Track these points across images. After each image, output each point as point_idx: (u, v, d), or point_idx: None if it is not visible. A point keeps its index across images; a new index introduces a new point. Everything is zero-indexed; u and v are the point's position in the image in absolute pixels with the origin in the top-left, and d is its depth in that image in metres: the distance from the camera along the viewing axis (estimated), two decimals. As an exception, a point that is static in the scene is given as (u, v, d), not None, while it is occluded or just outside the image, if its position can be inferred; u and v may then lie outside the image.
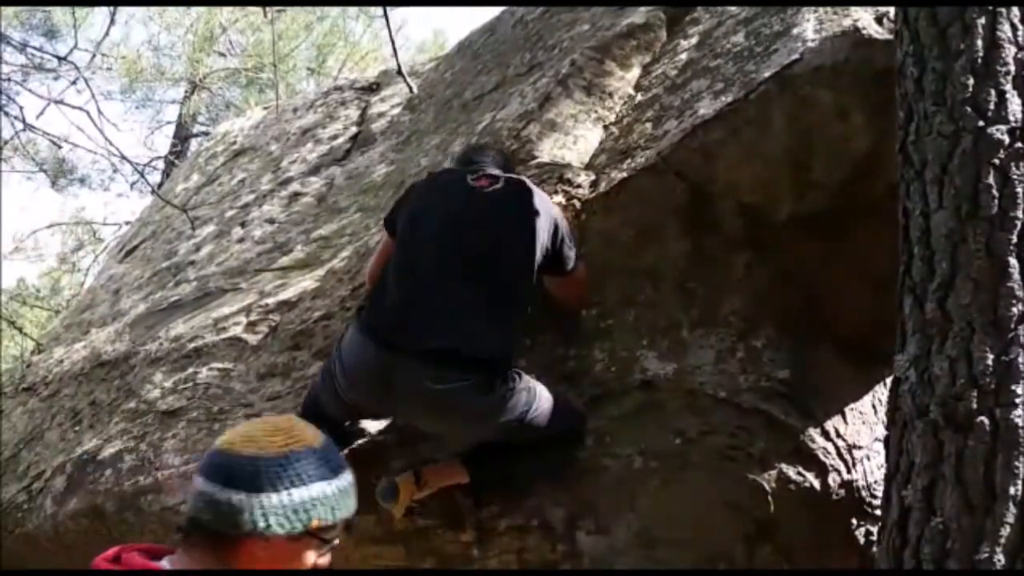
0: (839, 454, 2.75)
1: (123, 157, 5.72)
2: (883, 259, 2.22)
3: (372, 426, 2.80)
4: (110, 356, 3.84)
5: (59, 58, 7.52)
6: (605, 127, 3.16)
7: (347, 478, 1.44)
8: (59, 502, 3.32)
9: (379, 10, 6.24)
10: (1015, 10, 1.96)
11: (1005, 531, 1.72)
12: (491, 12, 4.72)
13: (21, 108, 10.99)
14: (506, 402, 2.38)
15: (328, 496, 1.39)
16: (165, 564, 1.38)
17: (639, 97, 3.16)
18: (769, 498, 2.61)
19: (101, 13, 10.18)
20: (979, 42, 1.94)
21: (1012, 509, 1.73)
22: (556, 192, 2.87)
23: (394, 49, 4.86)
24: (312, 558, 1.41)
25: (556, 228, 2.55)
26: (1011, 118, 1.89)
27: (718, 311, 2.73)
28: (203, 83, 11.43)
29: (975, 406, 1.79)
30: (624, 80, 3.27)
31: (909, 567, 1.82)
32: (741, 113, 2.62)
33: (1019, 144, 1.88)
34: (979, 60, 1.94)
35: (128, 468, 3.17)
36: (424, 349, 2.32)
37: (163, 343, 3.60)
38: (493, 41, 4.35)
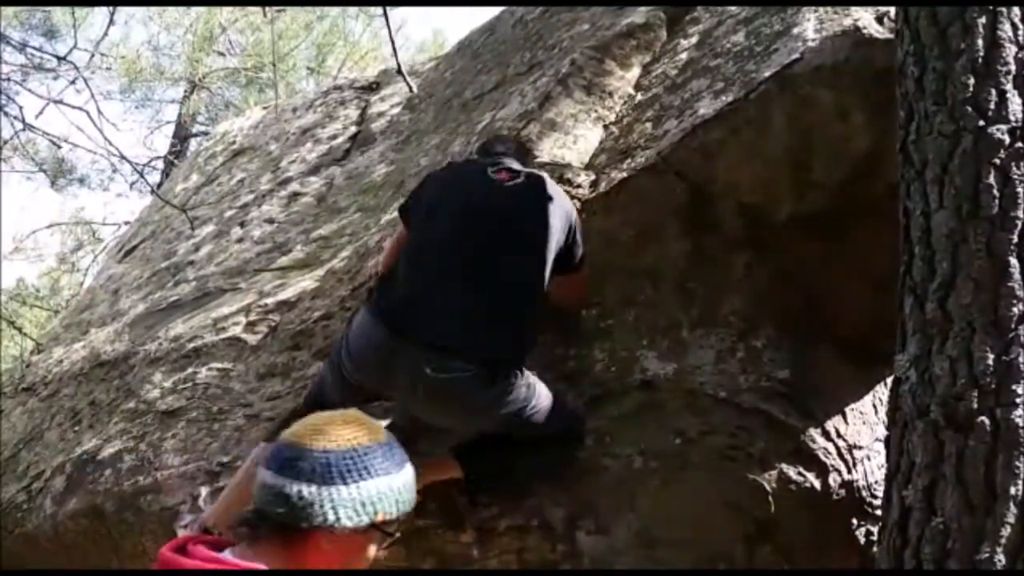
0: (839, 454, 2.74)
1: (122, 157, 5.72)
2: (883, 259, 2.22)
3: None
4: (109, 356, 3.84)
5: (59, 58, 7.51)
6: (605, 127, 3.16)
7: (409, 472, 1.46)
8: (59, 502, 3.32)
9: (379, 9, 6.24)
10: (1015, 10, 1.96)
11: (1006, 531, 1.72)
12: (491, 12, 4.73)
13: (21, 108, 10.96)
14: (506, 395, 2.38)
15: (393, 490, 1.41)
16: (228, 555, 1.38)
17: (639, 97, 3.16)
18: (769, 498, 2.61)
19: (101, 13, 10.17)
20: (980, 41, 1.94)
21: (1013, 509, 1.72)
22: (556, 192, 2.87)
23: (394, 49, 4.86)
24: (373, 551, 1.43)
25: (571, 226, 2.56)
26: (1011, 118, 1.89)
27: (718, 311, 2.73)
28: (202, 83, 11.44)
29: (976, 406, 1.79)
30: (624, 80, 3.27)
31: (909, 567, 1.82)
32: (741, 113, 2.62)
33: (1020, 144, 1.88)
34: (980, 60, 1.93)
35: (128, 468, 3.17)
36: (431, 340, 2.32)
37: (162, 343, 3.60)
38: (493, 41, 4.35)
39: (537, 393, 2.45)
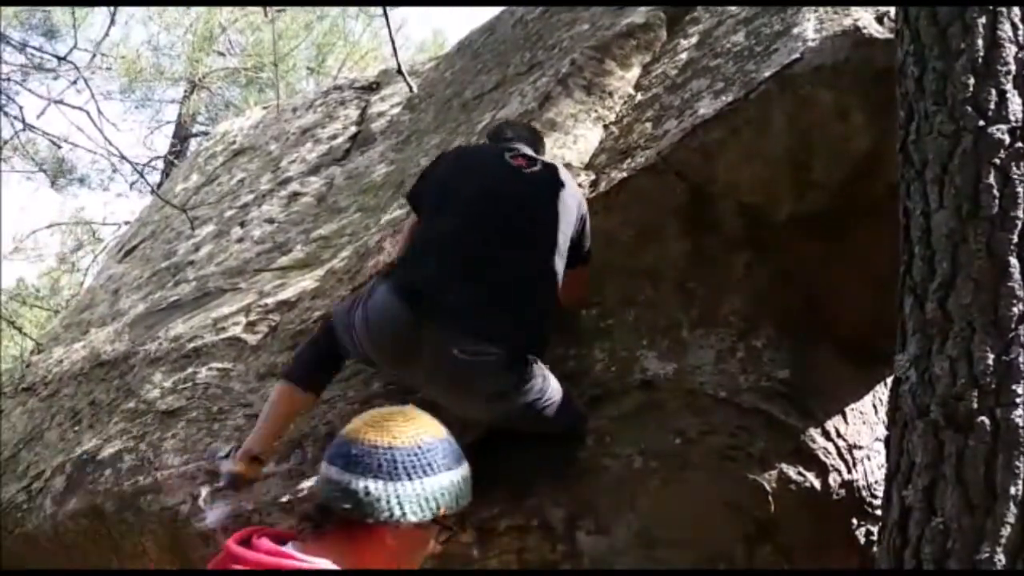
0: (839, 454, 2.74)
1: (123, 157, 5.72)
2: (883, 259, 2.22)
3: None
4: (109, 356, 3.84)
5: (59, 58, 7.51)
6: (605, 127, 3.16)
7: (467, 467, 1.48)
8: (59, 502, 3.32)
9: (379, 9, 6.24)
10: (1016, 9, 1.96)
11: (1006, 531, 1.72)
12: (491, 12, 4.73)
13: (21, 108, 11.00)
14: (525, 383, 2.38)
15: (454, 485, 1.43)
16: (291, 549, 1.40)
17: (639, 97, 3.16)
18: (769, 498, 2.61)
19: (101, 13, 10.20)
20: (980, 41, 1.94)
21: (1013, 509, 1.72)
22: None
23: (394, 48, 4.86)
24: (432, 545, 1.45)
25: (583, 218, 2.56)
26: (1012, 118, 1.89)
27: (718, 311, 2.73)
28: (202, 83, 11.44)
29: (976, 406, 1.79)
30: (624, 80, 3.27)
31: (909, 567, 1.82)
32: (741, 113, 2.62)
33: (1020, 144, 1.88)
34: (980, 59, 1.93)
35: (128, 468, 3.17)
36: (458, 322, 2.32)
37: (162, 343, 3.60)
38: (493, 40, 4.35)
39: (551, 386, 2.46)
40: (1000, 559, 1.71)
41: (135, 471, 3.14)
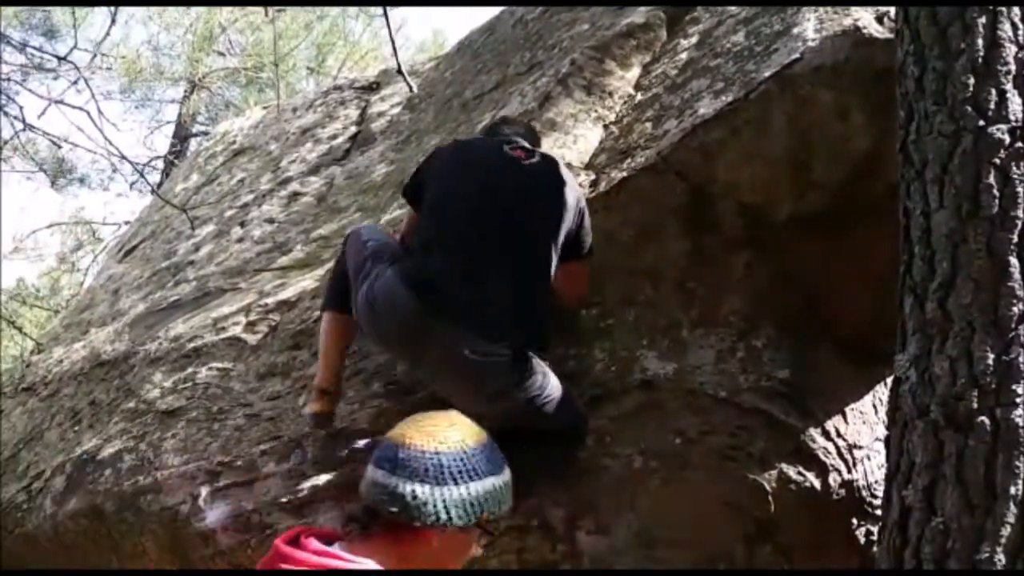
0: (839, 454, 2.75)
1: (123, 157, 5.73)
2: (883, 259, 2.22)
3: (372, 427, 2.80)
4: (109, 356, 3.84)
5: (59, 58, 7.52)
6: (605, 126, 3.16)
7: (508, 473, 1.51)
8: (59, 502, 3.32)
9: (379, 9, 6.25)
10: (1016, 9, 1.96)
11: (1006, 531, 1.72)
12: (491, 12, 4.73)
13: (21, 108, 11.00)
14: (525, 380, 2.39)
15: (498, 489, 1.46)
16: (338, 550, 1.43)
17: (639, 97, 3.16)
18: (769, 498, 2.61)
19: (101, 13, 10.18)
20: (980, 41, 1.94)
21: (1013, 509, 1.72)
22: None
23: (394, 48, 4.86)
24: (475, 548, 1.49)
25: (581, 211, 2.55)
26: (1012, 117, 1.89)
27: (718, 311, 2.73)
28: (203, 83, 11.43)
29: (976, 406, 1.79)
30: (624, 79, 3.27)
31: (909, 567, 1.82)
32: (741, 113, 2.62)
33: (1020, 144, 1.88)
34: (980, 59, 1.93)
35: (128, 468, 3.17)
36: (468, 319, 2.32)
37: (162, 343, 3.60)
38: (493, 40, 4.35)
39: (551, 383, 2.46)
40: (1000, 559, 1.71)
41: (135, 471, 3.14)
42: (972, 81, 1.93)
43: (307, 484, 2.83)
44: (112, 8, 7.17)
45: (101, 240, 11.99)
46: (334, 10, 11.60)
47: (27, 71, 8.40)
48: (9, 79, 7.50)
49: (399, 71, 4.71)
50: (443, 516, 1.40)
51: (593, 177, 2.92)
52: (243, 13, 10.76)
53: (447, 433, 1.46)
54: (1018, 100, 1.91)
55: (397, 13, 11.83)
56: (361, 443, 2.56)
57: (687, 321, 2.73)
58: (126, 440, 3.27)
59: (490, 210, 2.47)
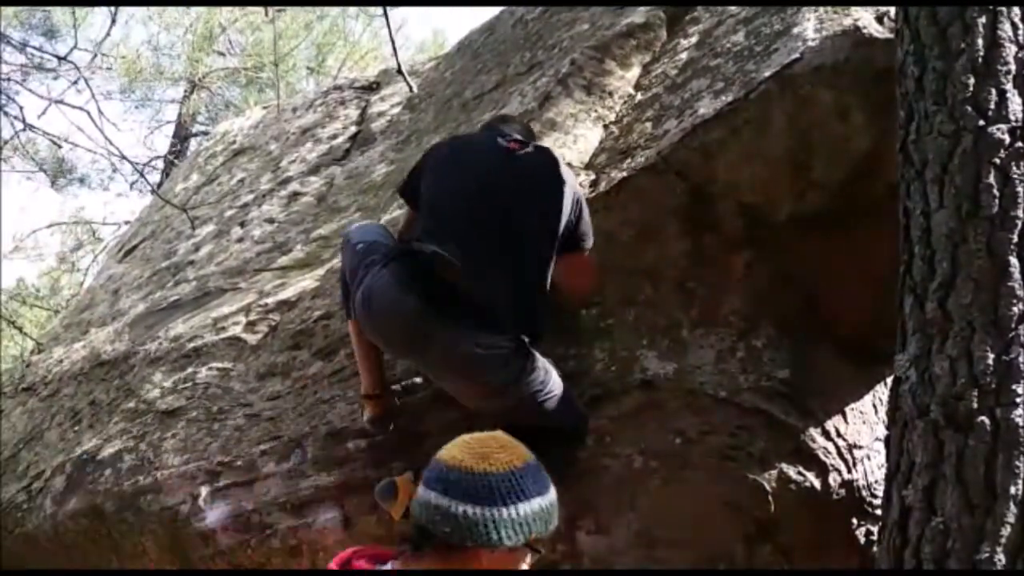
0: (839, 454, 2.75)
1: (123, 157, 5.73)
2: (883, 259, 2.22)
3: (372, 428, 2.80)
4: (109, 356, 3.84)
5: (59, 58, 7.52)
6: (605, 126, 3.16)
7: (554, 492, 1.55)
8: (59, 502, 3.32)
9: (379, 9, 6.24)
10: (1016, 9, 1.96)
11: (1006, 531, 1.72)
12: (491, 12, 4.72)
13: (21, 108, 10.98)
14: (526, 375, 2.39)
15: (544, 510, 1.50)
16: (391, 568, 1.50)
17: (639, 96, 3.16)
18: (769, 498, 2.61)
19: (101, 13, 10.18)
20: (980, 41, 1.94)
21: (1013, 509, 1.73)
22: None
23: (394, 48, 4.86)
24: (522, 567, 1.52)
25: (579, 201, 2.54)
26: (1012, 117, 1.89)
27: (718, 311, 2.73)
28: (203, 83, 11.44)
29: (976, 406, 1.79)
30: (624, 79, 3.27)
31: (909, 567, 1.82)
32: (741, 113, 2.62)
33: (1020, 143, 1.88)
34: (980, 59, 1.93)
35: (128, 468, 3.17)
36: (471, 313, 2.32)
37: (162, 343, 3.60)
38: (493, 40, 4.35)
39: (552, 380, 2.46)
40: (1000, 559, 1.71)
41: (135, 471, 3.14)
42: (972, 81, 1.93)
43: (307, 484, 2.84)
44: (112, 8, 7.18)
45: (101, 240, 12.00)
46: (334, 10, 11.61)
47: (27, 71, 8.40)
48: (9, 79, 7.50)
49: (399, 71, 4.71)
50: (494, 537, 1.43)
51: (593, 177, 2.92)
52: (243, 13, 10.76)
53: (496, 455, 1.49)
54: (1018, 100, 1.91)
55: (397, 13, 11.84)
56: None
57: (687, 321, 2.73)
58: (126, 440, 3.27)
59: (485, 203, 2.47)
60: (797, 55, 2.58)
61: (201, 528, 2.94)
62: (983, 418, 1.78)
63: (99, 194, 21.72)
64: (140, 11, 11.15)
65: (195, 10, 10.92)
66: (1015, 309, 1.81)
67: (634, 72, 3.30)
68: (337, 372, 3.00)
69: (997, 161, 1.87)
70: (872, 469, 2.80)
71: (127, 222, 9.94)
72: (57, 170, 11.53)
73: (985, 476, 1.75)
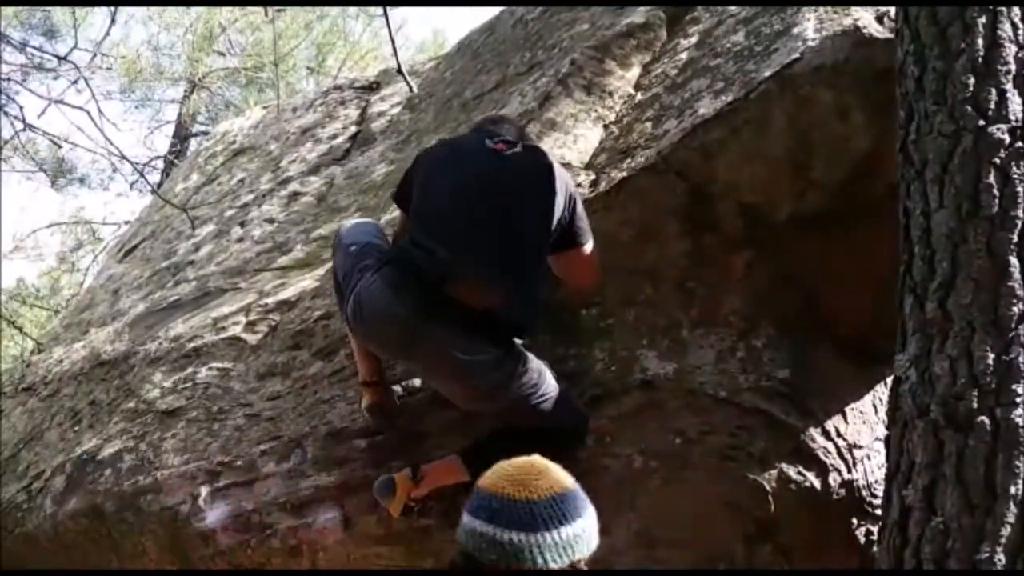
0: (839, 454, 2.75)
1: (123, 157, 5.72)
2: (883, 259, 2.22)
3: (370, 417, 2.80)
4: (109, 356, 3.84)
5: (59, 58, 7.52)
6: (605, 126, 3.16)
7: (594, 515, 1.60)
8: (59, 502, 3.32)
9: (379, 9, 6.24)
10: (1016, 9, 1.96)
11: (1006, 531, 1.72)
12: (491, 12, 4.72)
13: (21, 108, 10.97)
14: (519, 378, 2.40)
15: (585, 532, 1.55)
16: None
17: (639, 96, 3.16)
18: (769, 498, 2.61)
19: (101, 13, 10.18)
20: (980, 41, 1.94)
21: (1013, 509, 1.73)
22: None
23: (394, 48, 4.86)
24: None
25: (572, 198, 2.53)
26: (1012, 117, 1.89)
27: (718, 311, 2.73)
28: (202, 82, 11.44)
29: (976, 406, 1.79)
30: (624, 79, 3.27)
31: (909, 567, 1.82)
32: (741, 113, 2.62)
33: (1020, 143, 1.88)
34: (980, 59, 1.94)
35: (128, 468, 3.17)
36: (456, 317, 2.33)
37: (162, 343, 3.60)
38: (493, 40, 4.35)
39: (546, 381, 2.46)
40: (1000, 559, 1.71)
41: (135, 471, 3.14)
42: (972, 81, 1.93)
43: (307, 484, 2.84)
44: (112, 8, 7.18)
45: (101, 240, 12.00)
46: (334, 10, 11.61)
47: (27, 71, 8.40)
48: (9, 79, 7.49)
49: (399, 71, 4.71)
50: (539, 561, 1.48)
51: (593, 177, 2.92)
52: (243, 13, 10.76)
53: (537, 483, 1.55)
54: (1018, 100, 1.91)
55: (397, 13, 11.84)
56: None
57: (687, 321, 2.73)
58: (126, 440, 3.27)
59: (474, 205, 2.46)
60: (797, 55, 2.58)
61: (201, 528, 2.94)
62: (983, 418, 1.78)
63: (99, 194, 21.70)
64: (140, 11, 11.16)
65: (195, 10, 10.93)
66: (1015, 309, 1.81)
67: (634, 72, 3.30)
68: (337, 372, 3.00)
69: (997, 161, 1.87)
70: (872, 469, 2.80)
71: (127, 222, 9.95)
72: (57, 170, 11.53)
73: (985, 476, 1.75)
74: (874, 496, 2.77)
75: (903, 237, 2.02)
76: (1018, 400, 1.77)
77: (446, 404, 2.65)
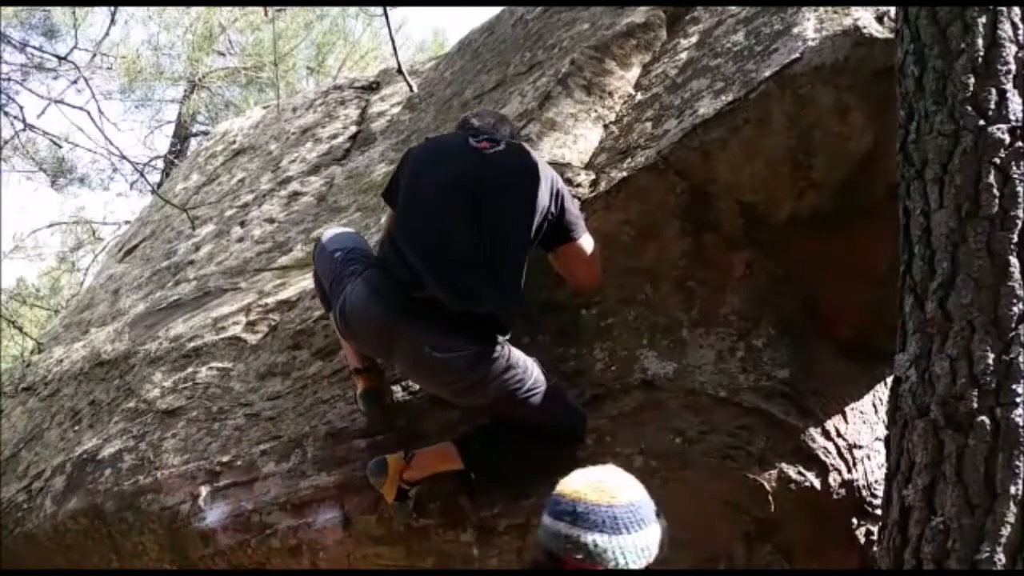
0: (839, 453, 2.75)
1: (123, 157, 5.72)
2: (883, 259, 2.22)
3: (371, 429, 2.81)
4: (110, 356, 3.84)
5: (59, 58, 7.51)
6: (605, 126, 3.16)
7: (663, 519, 1.73)
8: (59, 502, 3.32)
9: (379, 9, 6.24)
10: (1016, 9, 1.96)
11: (1006, 530, 1.72)
12: (491, 12, 4.72)
13: (21, 108, 10.99)
14: (501, 373, 2.42)
15: (658, 534, 1.69)
16: None
17: (639, 96, 3.16)
18: (769, 498, 2.61)
19: (101, 13, 10.19)
20: (980, 41, 1.94)
21: (1013, 508, 1.73)
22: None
23: (394, 48, 4.85)
24: None
25: (558, 193, 2.53)
26: (1012, 117, 1.89)
27: (718, 311, 2.73)
28: (202, 82, 11.44)
29: (976, 405, 1.79)
30: (624, 79, 3.27)
31: (909, 567, 1.82)
32: (741, 112, 2.62)
33: (1020, 143, 1.88)
34: (980, 59, 1.93)
35: (128, 468, 3.17)
36: (429, 316, 2.37)
37: (163, 343, 3.60)
38: (493, 40, 4.35)
39: (533, 377, 2.48)
40: (1000, 559, 1.71)
41: (135, 471, 3.14)
42: (972, 81, 1.93)
43: (307, 484, 2.84)
44: (112, 8, 7.18)
45: (101, 240, 12.00)
46: (334, 10, 11.61)
47: (27, 71, 8.41)
48: (9, 79, 7.50)
49: (399, 71, 4.69)
50: (621, 561, 1.62)
51: (593, 177, 2.92)
52: (243, 13, 10.76)
53: (616, 490, 1.69)
54: (1018, 100, 1.91)
55: (397, 13, 11.84)
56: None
57: (687, 321, 2.74)
58: (126, 440, 3.27)
59: (455, 203, 2.47)
60: (797, 55, 2.58)
61: (201, 528, 2.94)
62: (983, 418, 1.78)
63: (99, 194, 21.78)
64: (140, 11, 11.15)
65: (195, 10, 10.91)
66: (1015, 309, 1.81)
67: (634, 72, 3.30)
68: (337, 372, 3.00)
69: (997, 161, 1.87)
70: (872, 469, 2.80)
71: (127, 222, 9.95)
72: (57, 170, 11.53)
73: (985, 476, 1.75)
74: (874, 496, 2.77)
75: (903, 237, 2.02)
76: (1018, 400, 1.77)
77: (446, 404, 2.66)
